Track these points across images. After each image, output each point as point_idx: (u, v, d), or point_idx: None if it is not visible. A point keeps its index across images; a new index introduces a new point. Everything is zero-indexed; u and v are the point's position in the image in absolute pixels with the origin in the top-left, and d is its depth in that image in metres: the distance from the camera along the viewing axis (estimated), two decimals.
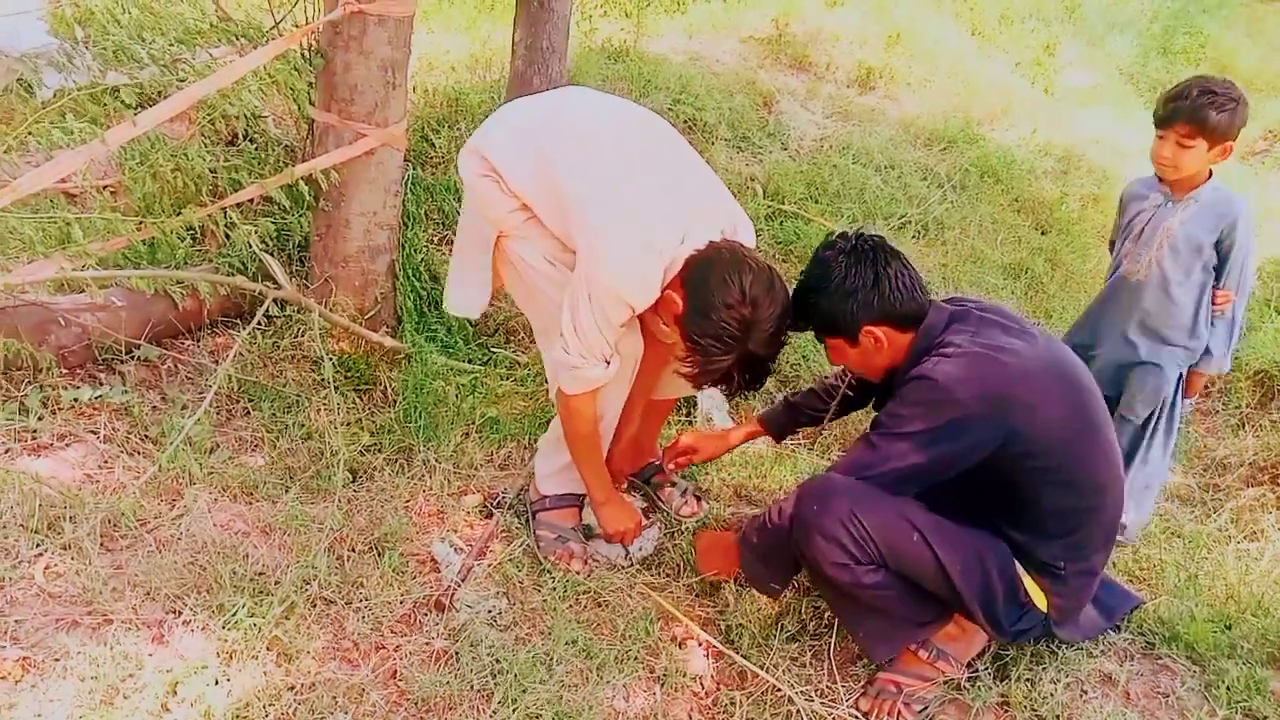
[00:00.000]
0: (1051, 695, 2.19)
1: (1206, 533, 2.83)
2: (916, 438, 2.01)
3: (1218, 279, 2.65)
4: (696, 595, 2.44)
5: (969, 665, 2.23)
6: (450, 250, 3.40)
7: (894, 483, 2.04)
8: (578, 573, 2.42)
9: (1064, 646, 2.29)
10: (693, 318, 2.10)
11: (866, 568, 2.05)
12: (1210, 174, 2.63)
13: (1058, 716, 2.15)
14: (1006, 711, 2.18)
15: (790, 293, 2.14)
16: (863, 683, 2.22)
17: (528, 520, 2.56)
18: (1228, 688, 2.23)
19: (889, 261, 2.07)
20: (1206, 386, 3.55)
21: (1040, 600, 2.12)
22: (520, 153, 2.23)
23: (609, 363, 2.23)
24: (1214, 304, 2.69)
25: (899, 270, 2.07)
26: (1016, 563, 2.10)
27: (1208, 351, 2.72)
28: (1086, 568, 2.13)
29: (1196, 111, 2.52)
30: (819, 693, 2.18)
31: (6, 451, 2.36)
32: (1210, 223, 2.60)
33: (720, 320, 2.07)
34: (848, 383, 2.46)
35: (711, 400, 3.10)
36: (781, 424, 2.59)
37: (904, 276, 2.07)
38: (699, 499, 2.73)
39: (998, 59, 6.23)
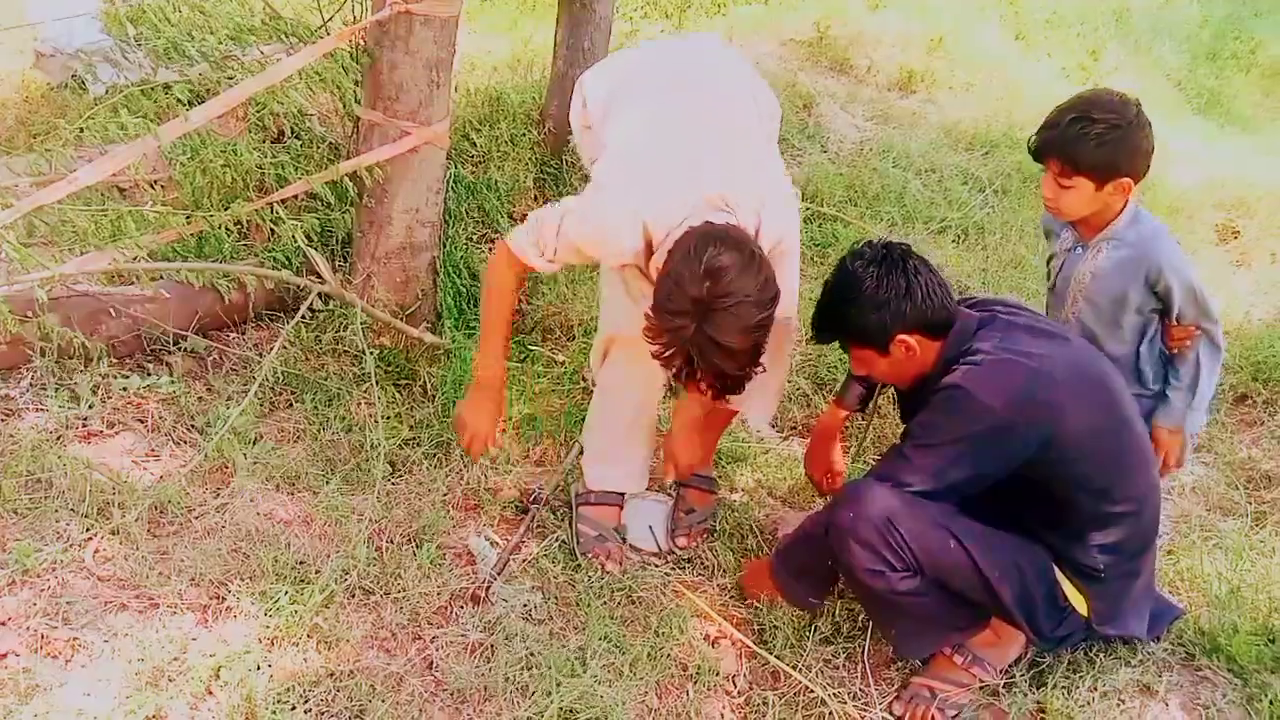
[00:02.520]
0: (1089, 704, 2.17)
1: (1251, 545, 2.78)
2: (949, 448, 2.01)
3: (1167, 315, 2.21)
4: (731, 596, 2.44)
5: (1004, 672, 2.21)
6: (488, 248, 3.43)
7: (928, 493, 2.03)
8: (611, 573, 2.43)
9: (1101, 655, 2.26)
10: (655, 297, 1.94)
11: (901, 574, 2.04)
12: (1124, 207, 2.18)
13: None
14: (1042, 719, 2.16)
15: (774, 283, 1.94)
16: (896, 687, 2.22)
17: (565, 515, 2.57)
18: (1270, 702, 2.19)
19: (919, 270, 2.05)
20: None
21: (1080, 604, 2.10)
22: (601, 93, 2.37)
23: (548, 261, 2.15)
24: (1172, 340, 2.24)
25: (929, 277, 2.05)
26: (1055, 567, 2.09)
27: (1165, 398, 2.29)
28: (1129, 569, 2.11)
29: (1066, 146, 2.08)
30: (852, 695, 2.17)
31: (59, 438, 2.42)
32: (1129, 270, 2.17)
33: (671, 294, 1.88)
34: None
35: None
36: (861, 394, 2.44)
37: (934, 283, 2.05)
38: (703, 534, 2.58)
39: (1042, 63, 6.15)
